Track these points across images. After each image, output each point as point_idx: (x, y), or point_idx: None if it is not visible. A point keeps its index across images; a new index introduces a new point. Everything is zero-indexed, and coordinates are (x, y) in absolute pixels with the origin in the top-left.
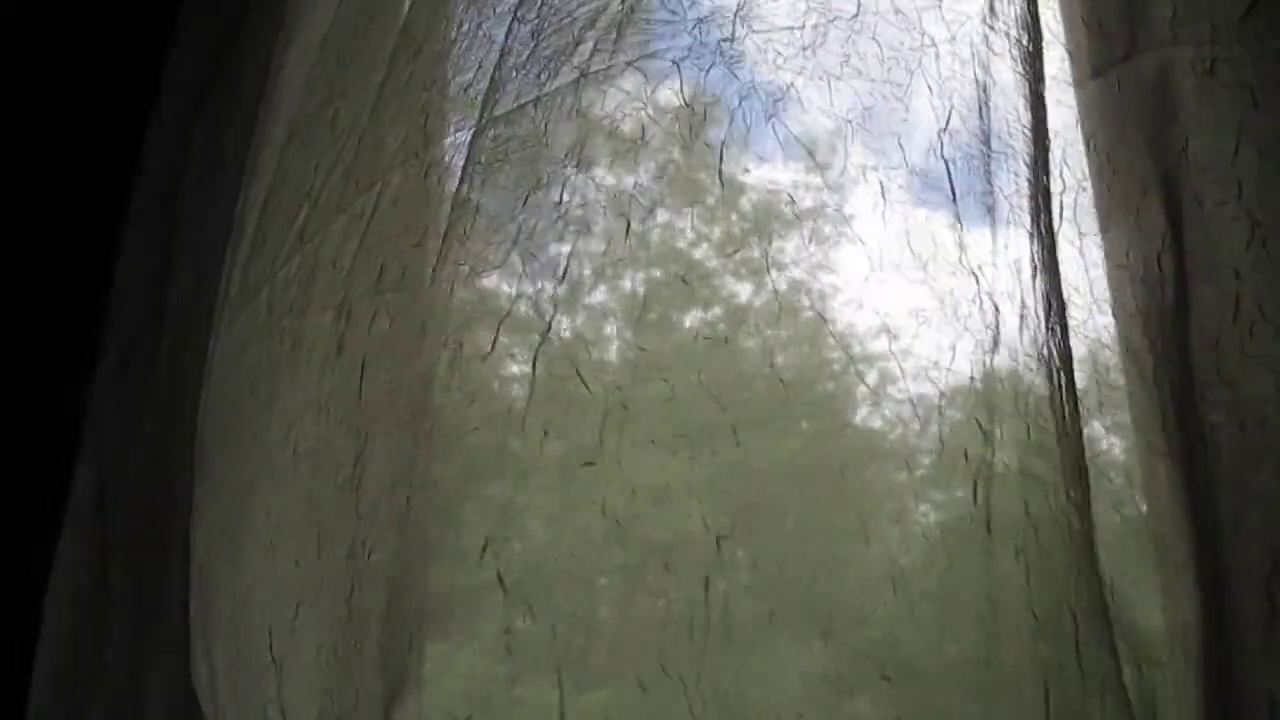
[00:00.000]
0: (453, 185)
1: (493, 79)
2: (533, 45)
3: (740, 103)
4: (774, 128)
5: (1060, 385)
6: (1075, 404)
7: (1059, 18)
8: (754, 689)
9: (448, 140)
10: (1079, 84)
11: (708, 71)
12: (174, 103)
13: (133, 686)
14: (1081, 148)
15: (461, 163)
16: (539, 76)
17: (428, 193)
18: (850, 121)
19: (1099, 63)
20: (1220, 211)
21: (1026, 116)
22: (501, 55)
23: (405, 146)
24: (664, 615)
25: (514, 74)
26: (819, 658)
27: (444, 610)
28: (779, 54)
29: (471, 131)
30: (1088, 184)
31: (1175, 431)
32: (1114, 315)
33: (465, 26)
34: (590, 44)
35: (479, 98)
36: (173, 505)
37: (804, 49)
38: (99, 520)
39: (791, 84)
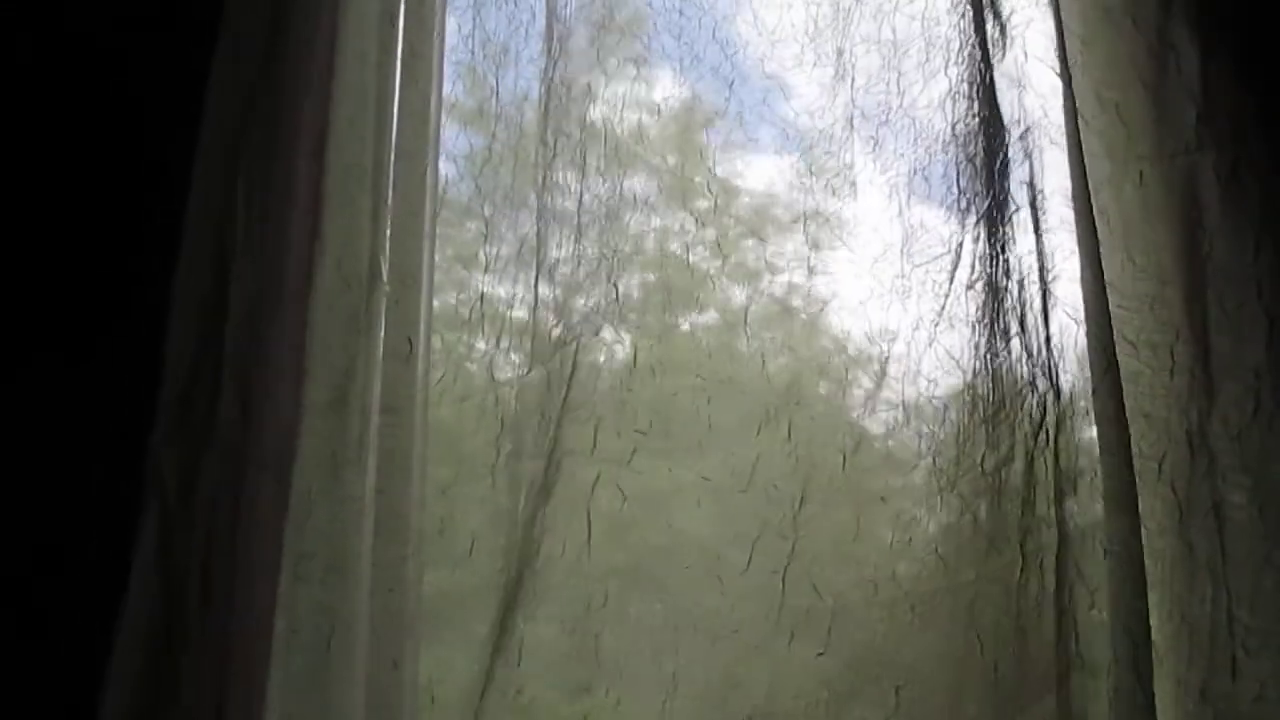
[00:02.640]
0: None
1: None
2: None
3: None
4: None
5: (1054, 395)
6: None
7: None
8: (754, 692)
9: None
10: (1100, 158)
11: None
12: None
13: None
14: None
15: None
16: None
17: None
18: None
19: (1124, 153)
20: (1241, 313)
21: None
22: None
23: None
24: (662, 617)
25: None
26: (819, 661)
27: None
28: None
29: None
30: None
31: (1179, 499)
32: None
33: None
34: None
35: None
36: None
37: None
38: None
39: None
